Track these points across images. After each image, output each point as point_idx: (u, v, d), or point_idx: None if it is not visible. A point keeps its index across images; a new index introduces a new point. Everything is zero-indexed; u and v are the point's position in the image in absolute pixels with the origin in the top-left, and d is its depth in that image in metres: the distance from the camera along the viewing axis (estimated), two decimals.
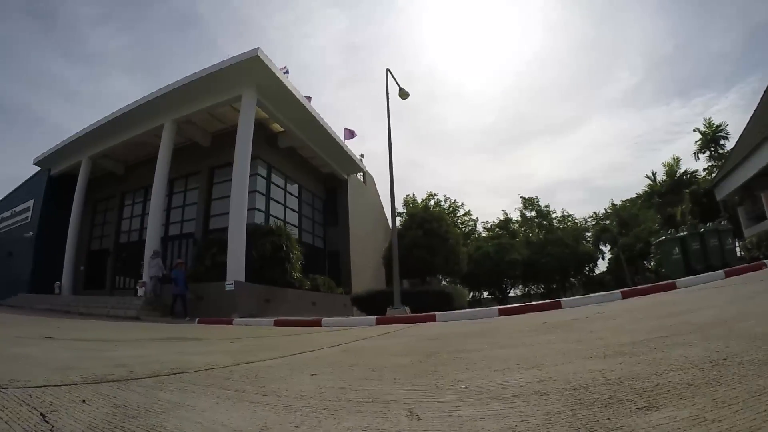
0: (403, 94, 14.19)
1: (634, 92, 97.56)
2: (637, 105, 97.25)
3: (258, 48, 15.22)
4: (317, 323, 9.11)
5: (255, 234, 14.44)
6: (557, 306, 7.41)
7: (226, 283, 12.90)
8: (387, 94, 12.82)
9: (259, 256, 14.02)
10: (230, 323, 10.54)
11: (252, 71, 15.69)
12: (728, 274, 7.63)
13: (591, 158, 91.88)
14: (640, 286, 8.49)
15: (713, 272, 8.10)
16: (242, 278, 13.29)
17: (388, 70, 13.03)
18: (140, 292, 15.73)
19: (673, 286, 7.44)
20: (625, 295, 7.26)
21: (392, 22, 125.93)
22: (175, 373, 2.43)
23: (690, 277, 8.09)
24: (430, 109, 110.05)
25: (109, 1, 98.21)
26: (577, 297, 8.14)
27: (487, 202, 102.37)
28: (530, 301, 38.17)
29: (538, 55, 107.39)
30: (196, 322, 11.47)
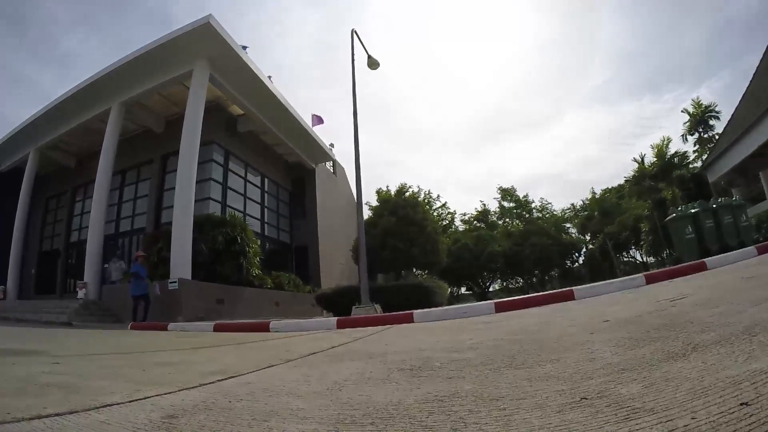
0: (372, 63, 12.49)
1: (606, 88, 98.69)
2: (610, 101, 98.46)
3: (210, 15, 13.49)
4: (265, 327, 7.43)
5: (205, 225, 12.60)
6: (569, 296, 5.82)
7: (169, 281, 11.10)
8: (352, 58, 11.10)
9: (209, 250, 12.20)
10: (165, 329, 8.83)
11: (204, 42, 13.94)
12: (761, 251, 6.32)
13: (565, 153, 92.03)
14: (666, 269, 6.99)
15: (744, 249, 6.75)
16: (188, 275, 11.49)
17: (353, 31, 11.32)
18: (80, 294, 13.97)
19: (703, 267, 6.06)
20: (649, 280, 5.78)
21: (368, 17, 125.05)
22: None
23: (719, 257, 6.66)
24: (405, 107, 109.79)
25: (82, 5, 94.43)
26: (591, 285, 6.61)
27: (464, 199, 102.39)
28: (509, 296, 36.47)
29: (511, 53, 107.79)
30: (129, 327, 9.75)
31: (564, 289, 6.34)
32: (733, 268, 5.42)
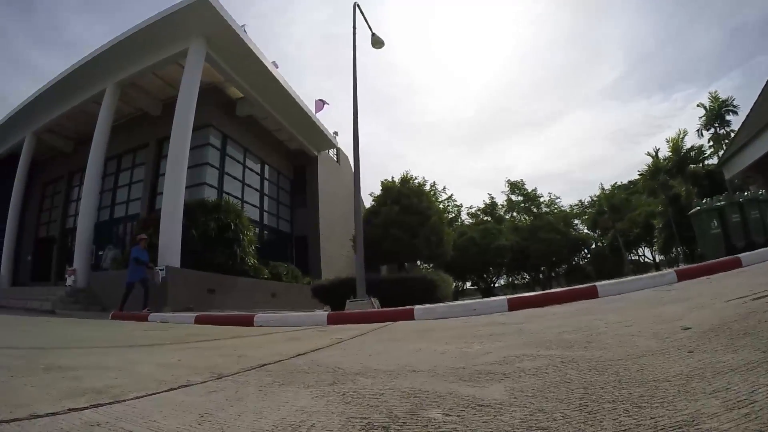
0: (377, 42, 11.72)
1: (617, 86, 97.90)
2: (621, 98, 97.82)
3: None
4: (249, 321, 6.75)
5: (198, 210, 11.94)
6: (593, 294, 5.05)
7: (158, 268, 10.47)
8: (354, 33, 10.33)
9: (201, 236, 11.54)
10: (146, 319, 8.24)
11: (200, 19, 13.27)
12: None
13: (572, 151, 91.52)
14: (698, 265, 6.27)
15: None
16: (177, 263, 10.87)
17: (356, 4, 10.54)
18: (69, 281, 13.45)
19: (738, 263, 5.32)
20: (681, 277, 5.06)
21: (381, 11, 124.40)
22: None
23: (754, 253, 5.87)
24: (412, 101, 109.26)
25: None
26: (617, 281, 5.85)
27: (469, 195, 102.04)
28: (515, 292, 35.58)
29: (522, 49, 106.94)
30: (110, 317, 9.15)
31: (586, 285, 5.58)
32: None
